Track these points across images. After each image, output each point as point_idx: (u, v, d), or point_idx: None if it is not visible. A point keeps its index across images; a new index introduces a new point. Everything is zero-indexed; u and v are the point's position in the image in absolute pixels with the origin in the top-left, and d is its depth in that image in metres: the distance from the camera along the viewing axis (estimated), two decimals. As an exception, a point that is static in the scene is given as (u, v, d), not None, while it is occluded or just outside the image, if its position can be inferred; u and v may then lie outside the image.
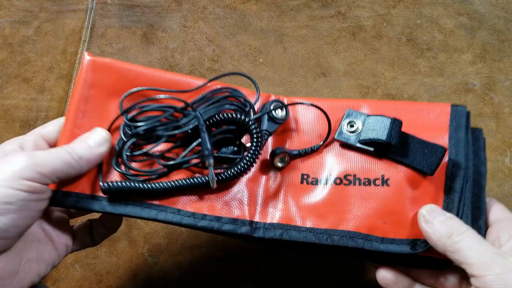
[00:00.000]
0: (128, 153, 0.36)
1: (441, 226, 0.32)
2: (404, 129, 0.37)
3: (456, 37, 0.64)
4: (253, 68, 0.64)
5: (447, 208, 0.35)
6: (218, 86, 0.39)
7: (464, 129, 0.37)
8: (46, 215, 0.37)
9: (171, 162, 0.36)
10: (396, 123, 0.36)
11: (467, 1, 0.67)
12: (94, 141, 0.34)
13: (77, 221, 0.43)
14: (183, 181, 0.36)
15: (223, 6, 0.70)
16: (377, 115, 0.38)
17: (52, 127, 0.36)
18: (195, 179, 0.36)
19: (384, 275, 0.36)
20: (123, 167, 0.36)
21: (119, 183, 0.35)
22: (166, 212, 0.36)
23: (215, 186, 0.35)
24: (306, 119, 0.41)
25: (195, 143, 0.36)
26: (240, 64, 0.64)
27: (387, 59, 0.63)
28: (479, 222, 0.35)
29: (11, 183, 0.28)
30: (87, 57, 0.38)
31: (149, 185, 0.35)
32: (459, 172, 0.36)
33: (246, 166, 0.36)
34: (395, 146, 0.36)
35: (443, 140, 0.37)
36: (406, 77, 0.61)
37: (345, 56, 0.64)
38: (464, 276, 0.34)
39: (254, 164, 0.37)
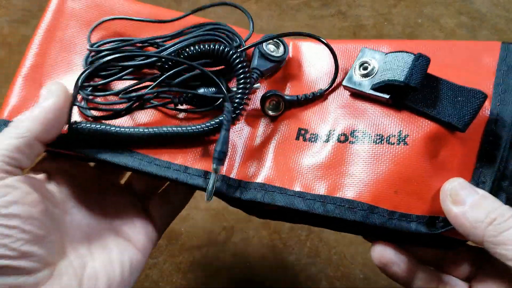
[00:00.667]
0: (85, 83, 0.31)
1: (476, 209, 0.25)
2: (434, 72, 0.29)
3: (457, 37, 0.64)
4: (253, 68, 0.64)
5: (478, 180, 0.27)
6: (203, 21, 0.34)
7: None
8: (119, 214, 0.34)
9: (133, 94, 0.30)
10: (421, 60, 0.28)
11: (468, 0, 0.67)
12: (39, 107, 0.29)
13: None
14: (162, 129, 0.30)
15: (224, 7, 0.70)
16: (398, 51, 0.29)
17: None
18: (175, 129, 0.30)
19: (382, 252, 0.29)
20: (80, 99, 0.31)
21: (90, 125, 0.29)
22: (132, 157, 0.30)
23: (211, 199, 0.30)
24: (313, 64, 0.34)
25: (166, 75, 0.31)
26: (240, 63, 0.64)
27: (387, 58, 0.63)
28: (511, 199, 0.27)
29: None
30: None
31: (124, 130, 0.30)
32: (502, 133, 0.27)
33: (236, 110, 0.30)
34: (416, 90, 0.28)
35: (486, 87, 0.28)
36: (407, 76, 0.61)
37: (345, 55, 0.64)
38: (477, 263, 0.28)
39: (242, 106, 0.30)
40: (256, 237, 0.51)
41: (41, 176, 0.31)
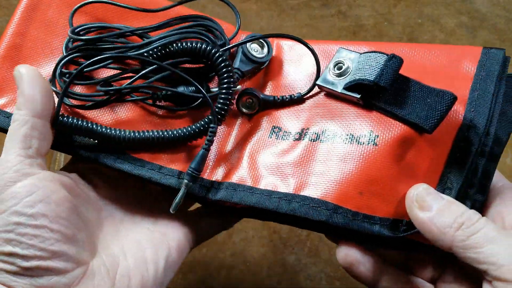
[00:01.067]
0: (63, 70, 0.30)
1: (443, 215, 0.24)
2: (411, 74, 0.28)
3: (457, 37, 0.64)
4: (253, 68, 0.63)
5: (444, 186, 0.27)
6: (190, 13, 0.33)
7: (495, 80, 0.28)
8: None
9: (112, 88, 0.30)
10: (393, 61, 0.28)
11: (468, 0, 0.67)
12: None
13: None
14: (145, 133, 0.30)
15: (223, 5, 0.70)
16: (372, 52, 0.29)
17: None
18: (158, 133, 0.30)
19: (347, 252, 0.28)
20: (59, 87, 0.30)
21: (75, 121, 0.29)
22: (111, 156, 0.30)
23: (173, 211, 0.30)
24: (295, 65, 0.33)
25: (148, 69, 0.30)
26: (240, 63, 0.64)
27: (387, 58, 0.63)
28: (476, 205, 0.27)
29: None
30: None
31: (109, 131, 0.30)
32: (474, 139, 0.27)
33: (221, 112, 0.30)
34: (386, 90, 0.28)
35: (462, 92, 0.28)
36: (407, 76, 0.61)
37: (345, 55, 0.64)
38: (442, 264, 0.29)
39: (226, 110, 0.30)
40: (256, 237, 0.51)
41: (72, 175, 0.30)
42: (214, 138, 0.29)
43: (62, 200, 0.26)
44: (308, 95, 0.32)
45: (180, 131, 0.30)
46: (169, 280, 0.31)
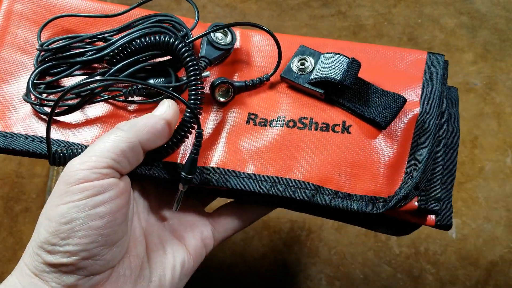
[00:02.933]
0: (36, 81, 0.32)
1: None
2: (369, 74, 0.33)
3: (457, 37, 0.64)
4: (253, 68, 0.63)
5: (413, 164, 0.30)
6: (150, 13, 0.36)
7: (440, 79, 0.34)
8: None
9: (83, 89, 0.31)
10: (354, 64, 0.32)
11: (468, 0, 0.67)
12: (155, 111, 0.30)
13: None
14: None
15: (223, 5, 0.70)
16: (334, 53, 0.33)
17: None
18: None
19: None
20: (33, 98, 0.32)
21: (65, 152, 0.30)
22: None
23: (176, 209, 0.32)
24: (261, 52, 0.36)
25: (114, 68, 0.31)
26: (240, 63, 0.64)
27: (387, 58, 0.63)
28: (447, 186, 0.32)
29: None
30: None
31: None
32: (429, 124, 0.32)
33: (196, 101, 0.30)
34: (350, 89, 0.32)
35: (415, 90, 0.33)
36: (407, 76, 0.61)
37: (345, 55, 0.64)
38: None
39: (197, 93, 0.30)
40: (256, 237, 0.51)
41: (127, 179, 0.29)
42: (202, 141, 0.30)
43: (120, 206, 0.26)
44: (278, 85, 0.35)
45: (166, 147, 0.30)
46: (183, 285, 0.31)
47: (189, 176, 0.30)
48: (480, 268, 0.48)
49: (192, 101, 0.30)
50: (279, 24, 0.67)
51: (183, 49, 0.30)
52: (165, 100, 0.30)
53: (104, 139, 0.27)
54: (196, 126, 0.30)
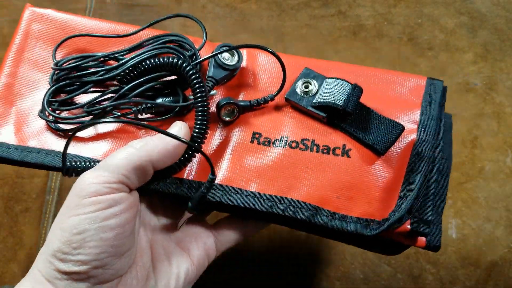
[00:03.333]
0: (50, 99, 0.34)
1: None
2: (370, 99, 0.34)
3: (457, 37, 0.64)
4: (253, 68, 0.63)
5: (407, 189, 0.32)
6: (160, 33, 0.37)
7: (438, 106, 0.34)
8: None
9: (96, 107, 0.33)
10: (356, 90, 0.33)
11: (468, 0, 0.67)
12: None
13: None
14: None
15: (223, 5, 0.70)
16: (337, 78, 0.34)
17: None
18: None
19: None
20: (48, 115, 0.34)
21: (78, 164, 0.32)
22: None
23: (179, 228, 0.34)
24: (267, 73, 0.37)
25: (125, 88, 0.33)
26: (240, 63, 0.64)
27: (388, 58, 0.63)
28: (438, 209, 0.33)
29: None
30: (28, 8, 0.39)
31: None
32: (425, 153, 0.33)
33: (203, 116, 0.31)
34: (350, 115, 0.33)
35: (413, 116, 0.34)
36: (407, 76, 0.61)
37: (345, 55, 0.64)
38: None
39: (204, 117, 0.31)
40: (256, 237, 0.51)
41: (136, 193, 0.30)
42: (213, 184, 0.32)
43: (130, 219, 0.28)
44: (283, 109, 0.36)
45: (175, 166, 0.31)
46: None
47: (195, 209, 0.32)
48: (480, 268, 0.48)
49: (198, 125, 0.31)
50: (279, 24, 0.67)
51: (190, 72, 0.31)
52: (177, 122, 0.31)
53: (117, 155, 0.28)
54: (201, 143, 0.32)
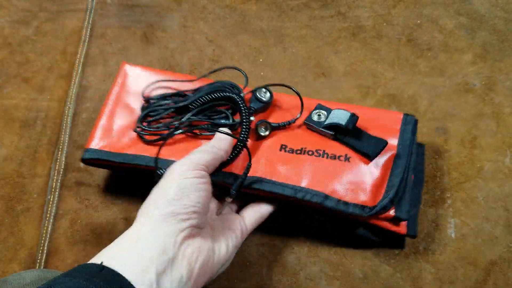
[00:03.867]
0: (142, 120, 0.52)
1: None
2: (363, 126, 0.49)
3: (456, 37, 0.64)
4: (253, 68, 0.64)
5: (390, 186, 0.45)
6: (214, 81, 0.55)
7: (411, 132, 0.49)
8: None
9: (173, 122, 0.51)
10: (354, 116, 0.48)
11: (467, 1, 0.67)
12: (221, 138, 0.45)
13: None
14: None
15: (223, 6, 0.70)
16: (340, 109, 0.49)
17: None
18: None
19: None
20: (140, 129, 0.51)
21: None
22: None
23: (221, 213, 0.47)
24: (289, 105, 0.52)
25: (189, 114, 0.50)
26: (240, 64, 0.64)
27: (387, 59, 0.63)
28: (416, 208, 0.49)
29: (186, 174, 0.39)
30: (125, 65, 0.56)
31: None
32: (401, 161, 0.47)
33: (244, 133, 0.46)
34: (350, 132, 0.48)
35: (394, 137, 0.48)
36: (406, 77, 0.61)
37: (345, 56, 0.64)
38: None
39: (247, 129, 0.46)
40: (256, 236, 0.52)
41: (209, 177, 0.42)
42: (249, 170, 0.45)
43: (210, 190, 0.41)
44: (299, 128, 0.51)
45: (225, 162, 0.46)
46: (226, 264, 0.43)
47: (235, 192, 0.45)
48: (479, 267, 0.48)
49: (242, 133, 0.46)
50: (279, 25, 0.67)
51: (239, 102, 0.47)
52: (221, 129, 0.45)
53: (197, 154, 0.42)
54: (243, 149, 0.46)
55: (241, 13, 0.69)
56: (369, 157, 0.47)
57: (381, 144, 0.47)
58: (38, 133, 0.60)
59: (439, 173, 0.54)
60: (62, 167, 0.58)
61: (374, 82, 0.61)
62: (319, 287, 0.49)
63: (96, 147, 0.50)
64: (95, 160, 0.50)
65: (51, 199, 0.55)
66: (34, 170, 0.58)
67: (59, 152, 0.58)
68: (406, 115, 0.50)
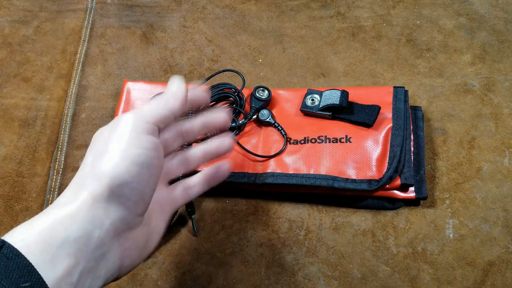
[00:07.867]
0: None
1: None
2: (359, 101, 0.53)
3: (455, 38, 0.64)
4: (253, 68, 0.64)
5: (391, 157, 0.50)
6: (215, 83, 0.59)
7: (403, 102, 0.53)
8: None
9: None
10: (344, 93, 0.52)
11: (467, 2, 0.67)
12: (176, 83, 0.37)
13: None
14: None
15: (223, 6, 0.70)
16: (331, 89, 0.53)
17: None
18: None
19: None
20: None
21: None
22: None
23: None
24: (287, 102, 0.57)
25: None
26: (239, 64, 0.64)
27: (386, 59, 0.63)
28: (420, 172, 0.51)
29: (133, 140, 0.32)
30: (127, 82, 0.59)
31: None
32: (399, 132, 0.51)
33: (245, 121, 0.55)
34: (345, 108, 0.52)
35: (388, 112, 0.52)
36: (406, 77, 0.61)
37: (344, 56, 0.64)
38: None
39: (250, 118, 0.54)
40: (255, 237, 0.52)
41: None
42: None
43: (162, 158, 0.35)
44: (298, 116, 0.55)
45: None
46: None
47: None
48: (477, 268, 0.48)
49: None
50: (279, 25, 0.67)
51: (242, 98, 0.56)
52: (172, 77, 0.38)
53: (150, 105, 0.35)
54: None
55: (240, 13, 0.69)
56: (368, 125, 0.51)
57: (376, 110, 0.51)
58: (37, 132, 0.60)
59: (438, 174, 0.54)
60: (62, 166, 0.58)
61: (373, 82, 0.61)
62: (317, 287, 0.49)
63: None
64: None
65: (50, 199, 0.55)
66: (33, 169, 0.58)
67: (59, 152, 0.59)
68: (395, 87, 0.54)
